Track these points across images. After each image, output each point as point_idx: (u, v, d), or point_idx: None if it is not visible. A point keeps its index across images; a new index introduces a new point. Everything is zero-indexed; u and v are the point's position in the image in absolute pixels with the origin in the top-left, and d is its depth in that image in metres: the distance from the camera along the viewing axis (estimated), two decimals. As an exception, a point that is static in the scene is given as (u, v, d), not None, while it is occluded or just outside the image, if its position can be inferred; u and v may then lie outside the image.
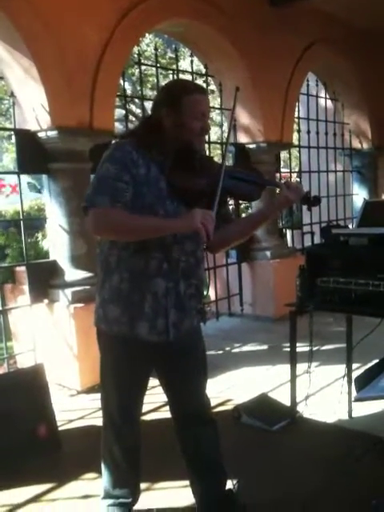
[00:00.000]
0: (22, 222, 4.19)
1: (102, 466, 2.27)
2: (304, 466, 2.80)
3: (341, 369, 3.39)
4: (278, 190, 2.10)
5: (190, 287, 2.05)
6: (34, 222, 7.97)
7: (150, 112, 2.12)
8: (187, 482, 2.32)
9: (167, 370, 2.17)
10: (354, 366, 3.46)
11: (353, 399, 3.04)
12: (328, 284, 2.95)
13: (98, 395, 2.26)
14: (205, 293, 2.18)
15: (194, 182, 2.01)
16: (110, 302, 2.03)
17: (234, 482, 2.40)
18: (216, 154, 8.59)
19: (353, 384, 3.24)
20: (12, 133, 4.16)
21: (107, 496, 2.27)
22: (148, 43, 12.67)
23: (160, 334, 2.02)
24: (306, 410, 3.30)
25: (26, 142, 3.94)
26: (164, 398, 2.25)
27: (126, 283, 1.98)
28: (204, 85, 5.30)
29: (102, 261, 2.05)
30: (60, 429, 3.17)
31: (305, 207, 2.17)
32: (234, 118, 5.51)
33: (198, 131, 2.01)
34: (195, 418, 2.21)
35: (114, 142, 2.06)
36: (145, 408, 2.31)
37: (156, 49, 5.27)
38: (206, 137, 2.55)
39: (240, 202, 5.57)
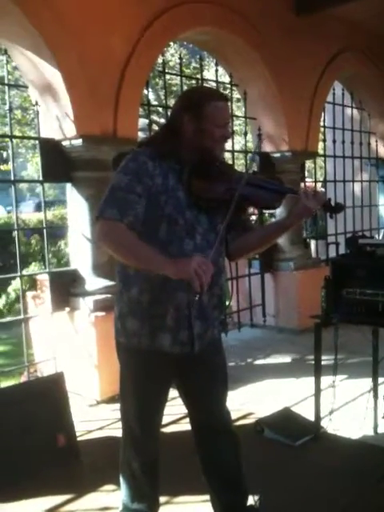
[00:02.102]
0: (45, 231, 4.20)
1: (121, 478, 2.23)
2: (328, 482, 2.72)
3: (367, 383, 3.31)
4: None
5: (213, 297, 2.01)
6: (57, 230, 8.03)
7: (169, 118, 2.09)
8: (207, 497, 2.26)
9: (187, 381, 2.13)
10: (381, 380, 3.36)
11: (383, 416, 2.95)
12: (354, 295, 2.89)
13: (118, 405, 2.22)
14: (226, 303, 2.14)
15: (213, 190, 1.97)
16: (128, 314, 1.99)
17: (256, 497, 2.34)
18: (240, 163, 8.57)
19: (380, 399, 3.17)
20: (36, 142, 4.18)
21: (125, 510, 2.22)
22: (172, 54, 12.74)
23: (183, 345, 1.98)
24: (331, 426, 3.21)
25: (50, 151, 3.95)
26: (184, 409, 2.21)
27: (146, 295, 1.94)
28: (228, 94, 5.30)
29: (120, 271, 2.01)
30: (79, 439, 3.14)
31: (328, 216, 2.10)
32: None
33: (218, 138, 1.98)
34: (215, 430, 2.16)
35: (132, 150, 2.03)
36: (165, 420, 2.26)
37: (181, 58, 5.26)
38: (230, 146, 2.51)
39: (263, 210, 5.50)
